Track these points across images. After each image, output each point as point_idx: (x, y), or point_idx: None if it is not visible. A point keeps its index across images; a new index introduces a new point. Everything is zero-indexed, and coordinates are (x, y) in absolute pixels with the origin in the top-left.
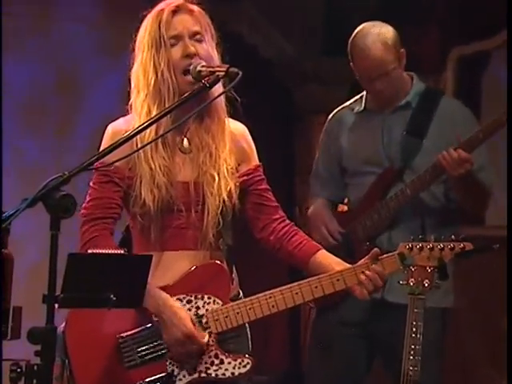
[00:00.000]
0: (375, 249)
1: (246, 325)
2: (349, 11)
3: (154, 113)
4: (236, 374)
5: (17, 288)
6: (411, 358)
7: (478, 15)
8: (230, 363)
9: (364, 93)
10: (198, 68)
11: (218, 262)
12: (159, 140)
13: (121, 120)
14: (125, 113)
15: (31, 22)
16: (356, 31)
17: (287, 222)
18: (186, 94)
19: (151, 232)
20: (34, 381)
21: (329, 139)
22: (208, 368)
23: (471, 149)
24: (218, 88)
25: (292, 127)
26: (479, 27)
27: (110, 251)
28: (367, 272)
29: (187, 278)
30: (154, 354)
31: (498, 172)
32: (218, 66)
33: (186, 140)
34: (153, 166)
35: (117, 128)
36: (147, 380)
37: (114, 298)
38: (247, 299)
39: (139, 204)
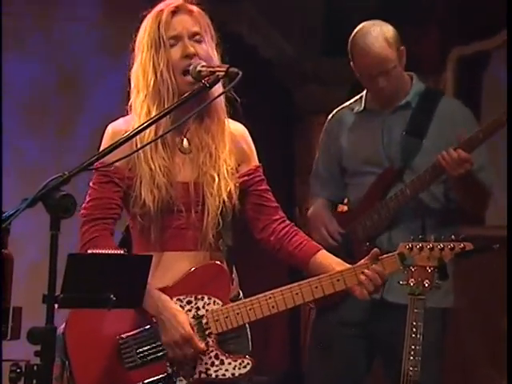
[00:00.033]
0: (375, 249)
1: (246, 325)
2: (349, 11)
3: (153, 113)
4: (236, 374)
5: (17, 288)
6: (411, 358)
7: (478, 15)
8: (230, 364)
9: (364, 93)
10: (198, 68)
11: (218, 262)
12: (159, 140)
13: (121, 120)
14: (125, 113)
15: (31, 22)
16: (356, 30)
17: (287, 222)
18: (185, 94)
19: (151, 232)
20: (34, 381)
21: (329, 139)
22: (208, 369)
23: (471, 149)
24: (218, 88)
25: (292, 127)
26: (479, 27)
27: (109, 251)
28: (367, 271)
29: (187, 279)
30: (154, 355)
31: (497, 172)
32: (217, 66)
33: (185, 140)
34: (153, 167)
35: (117, 128)
36: (147, 381)
37: (114, 298)
38: (247, 300)
39: (139, 204)
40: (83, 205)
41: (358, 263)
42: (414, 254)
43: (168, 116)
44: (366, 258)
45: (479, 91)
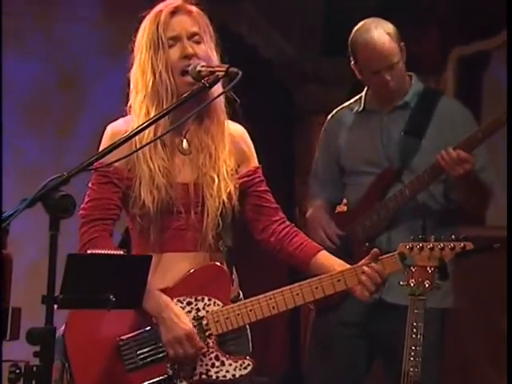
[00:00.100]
0: (375, 249)
1: (247, 326)
2: (349, 11)
3: (152, 114)
4: (237, 375)
5: (16, 288)
6: (411, 358)
7: (478, 15)
8: (230, 365)
9: (363, 93)
10: (198, 68)
11: (218, 263)
12: (158, 141)
13: (120, 121)
14: (125, 113)
15: (31, 22)
16: (357, 27)
17: (287, 223)
18: (185, 94)
19: (150, 233)
20: (33, 382)
21: (328, 139)
22: (209, 370)
23: (470, 149)
24: (218, 89)
25: (292, 127)
26: (479, 27)
27: (109, 252)
28: (367, 269)
29: (187, 280)
30: (155, 357)
31: (497, 172)
32: (217, 66)
33: (185, 141)
34: (152, 167)
35: (116, 129)
36: (147, 383)
37: (114, 299)
38: (247, 300)
39: (139, 205)
40: (82, 205)
41: (359, 263)
42: (415, 254)
43: (167, 117)
44: (366, 258)
45: (479, 91)
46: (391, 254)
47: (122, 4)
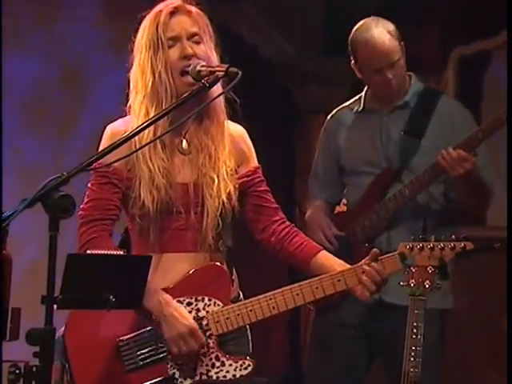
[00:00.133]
0: (374, 249)
1: (247, 326)
2: (349, 11)
3: (151, 114)
4: (237, 376)
5: (16, 289)
6: (412, 359)
7: (479, 15)
8: (231, 365)
9: (363, 93)
10: (198, 68)
11: (218, 263)
12: (158, 141)
13: (120, 121)
14: (124, 114)
15: (31, 22)
16: (357, 26)
17: (287, 223)
18: (185, 94)
19: (150, 234)
20: (33, 382)
21: (327, 139)
22: (209, 370)
23: (470, 148)
24: (217, 89)
25: (292, 127)
26: (480, 27)
27: (109, 252)
28: (367, 268)
29: (187, 280)
30: (155, 357)
31: (497, 172)
32: (217, 66)
33: (184, 141)
34: (152, 168)
35: (116, 129)
36: (148, 383)
37: (113, 299)
38: (248, 301)
39: (138, 205)
40: (81, 206)
41: (359, 263)
42: (415, 254)
43: (167, 117)
44: (367, 258)
45: (480, 91)
46: (391, 253)
47: (122, 4)
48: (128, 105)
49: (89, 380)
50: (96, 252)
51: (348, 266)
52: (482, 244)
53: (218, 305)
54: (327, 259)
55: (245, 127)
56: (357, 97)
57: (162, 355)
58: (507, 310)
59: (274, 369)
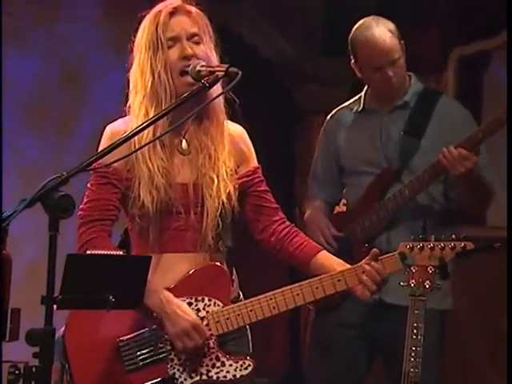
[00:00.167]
0: (374, 249)
1: (247, 326)
2: (349, 11)
3: (151, 114)
4: (237, 376)
5: (15, 289)
6: (412, 359)
7: (479, 15)
8: (231, 365)
9: (363, 93)
10: (198, 68)
11: (218, 263)
12: (157, 141)
13: (119, 121)
14: (124, 114)
15: (31, 22)
16: (357, 25)
17: (287, 223)
18: (185, 95)
19: (150, 234)
20: (33, 383)
21: (327, 139)
22: (209, 370)
23: (470, 148)
24: (217, 89)
25: (292, 127)
26: (480, 27)
27: (109, 252)
28: (367, 267)
29: (187, 281)
30: (155, 358)
31: (497, 172)
32: (217, 66)
33: (184, 141)
34: (151, 168)
35: (115, 129)
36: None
37: (113, 299)
38: (248, 301)
39: (138, 205)
40: (81, 206)
41: (359, 263)
42: (415, 254)
43: (166, 117)
44: (367, 258)
45: (480, 91)
46: (392, 253)
47: (122, 4)
48: (128, 105)
49: (89, 380)
50: (96, 252)
51: (348, 265)
52: (482, 244)
53: (218, 305)
54: (327, 259)
55: (245, 127)
56: (356, 97)
57: (162, 355)
58: (507, 310)
59: (274, 369)
